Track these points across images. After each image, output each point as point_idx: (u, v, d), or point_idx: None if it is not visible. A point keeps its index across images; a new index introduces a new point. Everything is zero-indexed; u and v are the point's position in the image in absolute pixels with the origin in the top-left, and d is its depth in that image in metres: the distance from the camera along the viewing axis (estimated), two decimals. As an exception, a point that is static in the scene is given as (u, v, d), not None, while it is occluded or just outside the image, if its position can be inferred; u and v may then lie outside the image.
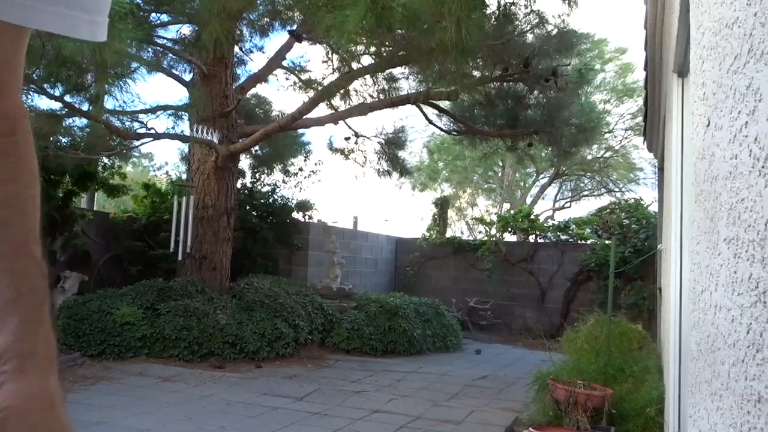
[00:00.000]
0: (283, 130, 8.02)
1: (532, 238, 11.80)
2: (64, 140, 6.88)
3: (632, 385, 4.17)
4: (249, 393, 5.38)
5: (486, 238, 11.88)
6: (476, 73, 7.90)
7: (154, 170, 22.70)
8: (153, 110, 7.76)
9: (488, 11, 6.70)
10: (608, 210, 11.17)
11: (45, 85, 5.94)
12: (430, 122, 9.65)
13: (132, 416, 4.48)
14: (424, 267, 12.15)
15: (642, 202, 10.91)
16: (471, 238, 13.23)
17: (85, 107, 6.59)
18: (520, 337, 10.06)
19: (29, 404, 0.62)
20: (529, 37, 7.72)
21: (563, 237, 11.32)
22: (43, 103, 6.60)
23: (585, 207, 23.04)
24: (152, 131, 7.28)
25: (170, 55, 8.56)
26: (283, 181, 10.61)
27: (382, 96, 9.05)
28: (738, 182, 0.95)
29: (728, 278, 1.01)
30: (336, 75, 8.87)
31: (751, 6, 0.89)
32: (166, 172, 13.60)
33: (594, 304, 9.27)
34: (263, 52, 9.40)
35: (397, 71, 8.93)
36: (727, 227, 1.02)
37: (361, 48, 7.71)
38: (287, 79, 9.88)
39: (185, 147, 9.73)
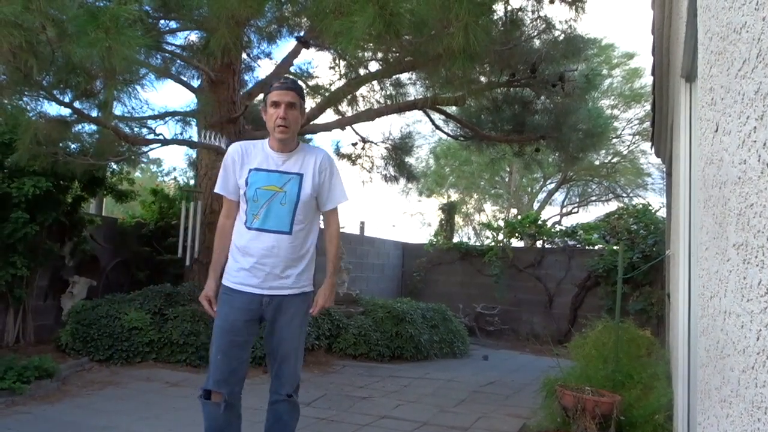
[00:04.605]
0: (290, 135, 8.03)
1: (539, 244, 11.76)
2: (73, 146, 6.91)
3: (641, 391, 4.14)
4: (256, 398, 5.37)
5: (493, 244, 11.87)
6: (483, 79, 7.90)
7: (162, 176, 22.81)
8: (161, 116, 7.78)
9: (495, 17, 6.71)
10: (616, 215, 11.13)
11: (55, 92, 5.98)
12: (437, 128, 9.65)
13: (139, 421, 4.49)
14: (431, 272, 12.14)
15: (650, 208, 10.86)
16: (478, 243, 13.20)
17: (94, 113, 6.62)
18: (528, 342, 10.02)
19: None
20: (536, 42, 7.73)
21: (571, 242, 11.28)
22: (53, 109, 6.63)
23: (593, 212, 22.97)
24: (160, 137, 7.30)
25: (178, 61, 8.61)
26: (290, 187, 10.60)
27: (389, 101, 9.07)
28: (747, 187, 0.95)
29: (737, 284, 1.00)
30: (343, 81, 8.90)
31: (759, 11, 0.89)
32: (174, 178, 13.66)
33: (602, 310, 9.24)
34: (271, 59, 9.43)
35: (404, 77, 8.95)
36: (736, 233, 1.02)
37: (368, 54, 7.73)
38: (295, 85, 9.91)
39: (193, 153, 9.78)
